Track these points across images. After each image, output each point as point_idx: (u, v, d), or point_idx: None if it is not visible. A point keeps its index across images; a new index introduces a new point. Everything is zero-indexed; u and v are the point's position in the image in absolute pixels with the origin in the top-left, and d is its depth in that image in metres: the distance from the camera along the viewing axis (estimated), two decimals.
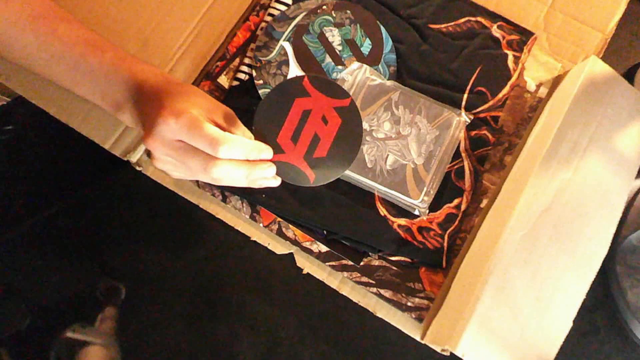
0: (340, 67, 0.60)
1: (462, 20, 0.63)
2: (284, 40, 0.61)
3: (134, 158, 0.59)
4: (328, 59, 0.61)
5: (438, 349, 0.53)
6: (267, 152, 0.45)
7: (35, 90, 0.59)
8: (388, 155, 0.58)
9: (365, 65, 0.60)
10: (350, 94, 0.61)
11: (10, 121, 0.71)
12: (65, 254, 0.76)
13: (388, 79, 0.60)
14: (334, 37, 0.61)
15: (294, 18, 0.62)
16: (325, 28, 0.61)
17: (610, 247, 0.68)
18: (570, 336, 0.68)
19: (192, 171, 0.44)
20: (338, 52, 0.61)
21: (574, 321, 0.66)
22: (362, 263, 0.57)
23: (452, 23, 0.63)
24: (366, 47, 0.61)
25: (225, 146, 0.41)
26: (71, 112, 0.59)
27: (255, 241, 0.58)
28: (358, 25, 0.61)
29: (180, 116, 0.42)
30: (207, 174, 0.43)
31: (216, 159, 0.42)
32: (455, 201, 0.58)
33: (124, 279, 0.75)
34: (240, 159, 0.43)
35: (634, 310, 0.65)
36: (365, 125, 0.58)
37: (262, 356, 0.73)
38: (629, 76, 0.71)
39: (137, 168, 0.59)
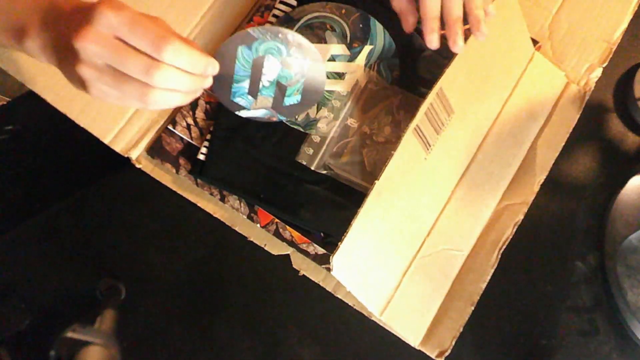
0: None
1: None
2: None
3: (134, 155, 0.59)
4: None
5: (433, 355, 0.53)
6: (213, 65, 0.42)
7: (32, 75, 0.58)
8: (387, 159, 0.58)
9: (368, 68, 0.60)
10: (352, 96, 0.61)
11: (10, 121, 0.70)
12: (65, 254, 0.76)
13: (390, 83, 0.60)
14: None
15: (298, 20, 0.62)
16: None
17: (610, 247, 0.68)
18: (570, 336, 0.68)
19: (128, 84, 0.38)
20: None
21: (574, 321, 0.67)
22: None
23: None
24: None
25: (172, 47, 0.37)
26: (70, 102, 0.58)
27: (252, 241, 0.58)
28: (347, 23, 0.61)
29: (121, 10, 0.37)
30: (149, 77, 0.37)
31: (160, 63, 0.37)
32: None
33: (124, 279, 0.75)
34: (184, 69, 0.39)
35: (634, 310, 0.65)
36: (365, 129, 0.58)
37: (262, 356, 0.73)
38: (629, 76, 0.71)
39: (137, 165, 0.59)
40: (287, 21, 0.62)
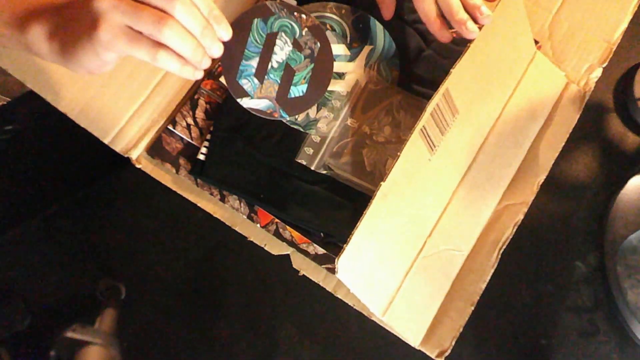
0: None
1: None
2: None
3: (134, 155, 0.59)
4: None
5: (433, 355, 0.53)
6: (225, 26, 0.43)
7: (32, 74, 0.58)
8: (387, 159, 0.58)
9: (368, 68, 0.60)
10: (352, 96, 0.61)
11: (10, 121, 0.71)
12: (65, 254, 0.76)
13: (390, 83, 0.60)
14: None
15: None
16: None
17: (610, 247, 0.68)
18: (570, 336, 0.68)
19: (142, 41, 0.39)
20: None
21: (574, 321, 0.67)
22: None
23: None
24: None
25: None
26: (69, 101, 0.58)
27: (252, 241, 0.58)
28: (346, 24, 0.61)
29: None
30: (159, 33, 0.38)
31: (169, 17, 0.39)
32: None
33: (124, 279, 0.75)
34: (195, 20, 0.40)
35: (634, 310, 0.65)
36: (365, 129, 0.58)
37: (262, 356, 0.73)
38: (629, 76, 0.71)
39: (137, 165, 0.59)
40: None
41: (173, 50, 0.40)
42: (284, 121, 0.59)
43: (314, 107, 0.59)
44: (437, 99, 0.46)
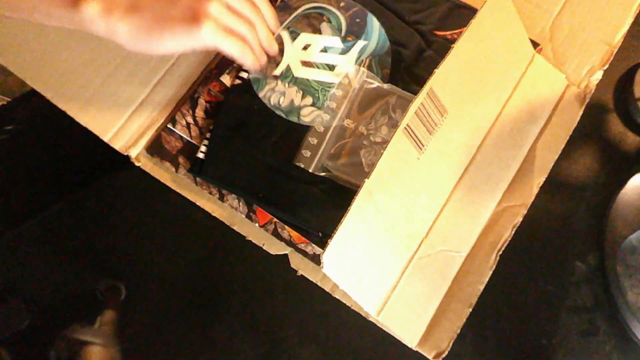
0: None
1: (460, 29, 0.62)
2: (282, 29, 0.61)
3: (133, 153, 0.59)
4: None
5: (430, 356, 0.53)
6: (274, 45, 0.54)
7: (32, 71, 0.58)
8: None
9: (362, 69, 0.60)
10: (347, 96, 0.61)
11: (10, 121, 0.71)
12: (65, 254, 0.76)
13: (380, 80, 0.60)
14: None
15: (296, 9, 0.62)
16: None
17: (610, 247, 0.68)
18: (570, 336, 0.68)
19: (236, 40, 0.47)
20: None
21: (574, 321, 0.66)
22: None
23: (458, 30, 0.62)
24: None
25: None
26: (69, 99, 0.58)
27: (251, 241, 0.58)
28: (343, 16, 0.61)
29: None
30: (251, 35, 0.49)
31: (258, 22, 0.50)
32: None
33: (124, 279, 0.76)
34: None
35: (634, 310, 0.65)
36: (362, 129, 0.58)
37: (262, 356, 0.73)
38: (629, 76, 0.71)
39: (136, 163, 0.59)
40: (284, 8, 0.62)
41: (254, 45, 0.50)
42: (268, 106, 0.59)
43: (299, 94, 0.59)
44: (420, 98, 0.46)
